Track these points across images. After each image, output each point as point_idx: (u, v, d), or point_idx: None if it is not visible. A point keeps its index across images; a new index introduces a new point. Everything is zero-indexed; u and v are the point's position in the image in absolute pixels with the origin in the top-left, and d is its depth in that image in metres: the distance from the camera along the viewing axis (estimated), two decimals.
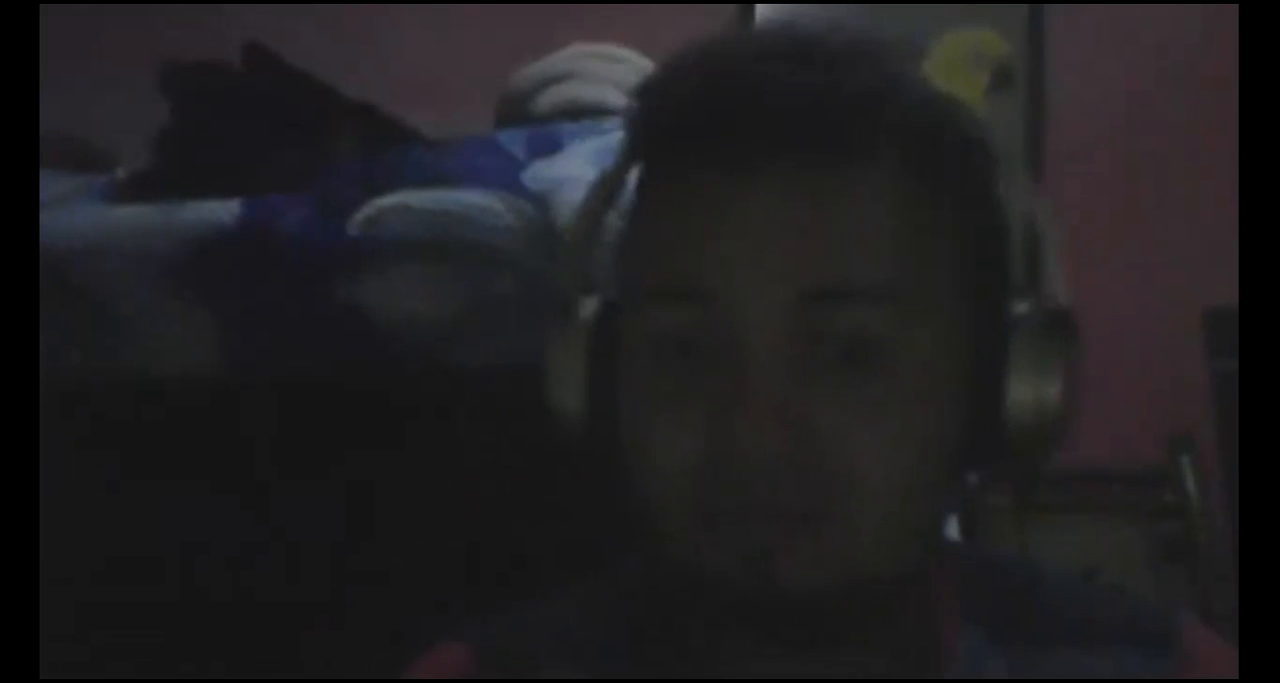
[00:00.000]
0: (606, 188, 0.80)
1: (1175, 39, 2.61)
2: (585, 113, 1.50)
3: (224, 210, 1.30)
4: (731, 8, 2.61)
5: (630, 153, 0.78)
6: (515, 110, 1.59)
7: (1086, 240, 2.54)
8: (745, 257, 0.72)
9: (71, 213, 1.35)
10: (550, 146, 1.40)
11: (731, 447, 0.70)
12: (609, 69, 1.59)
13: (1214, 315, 2.41)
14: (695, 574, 0.73)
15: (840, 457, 0.70)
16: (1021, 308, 0.75)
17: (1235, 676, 0.76)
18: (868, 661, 0.76)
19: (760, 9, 2.65)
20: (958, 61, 2.66)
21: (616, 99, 1.48)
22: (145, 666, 1.30)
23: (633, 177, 0.80)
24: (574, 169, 1.32)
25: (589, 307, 0.79)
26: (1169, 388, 2.53)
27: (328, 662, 1.29)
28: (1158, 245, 2.61)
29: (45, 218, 1.27)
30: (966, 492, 2.03)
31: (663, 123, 0.76)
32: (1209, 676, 0.78)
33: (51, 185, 1.40)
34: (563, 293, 0.80)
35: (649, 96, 0.77)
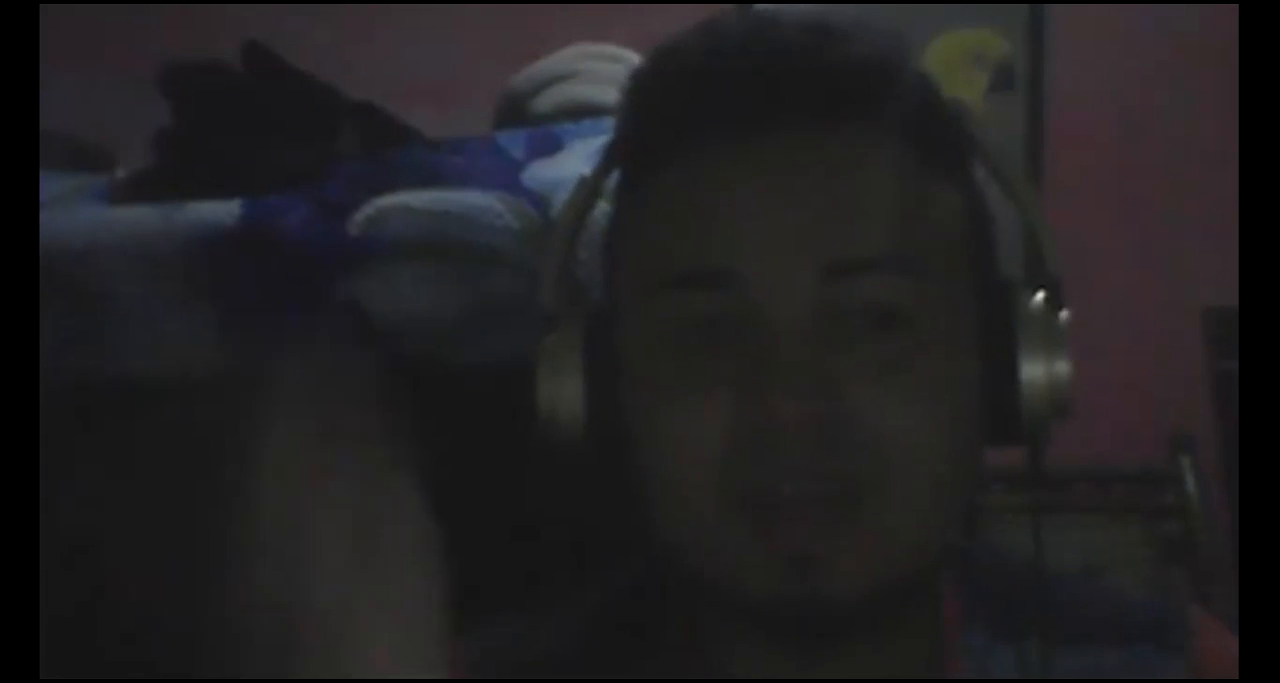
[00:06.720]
0: (596, 182, 0.79)
1: (1175, 39, 2.61)
2: (586, 113, 1.50)
3: (224, 211, 1.30)
4: (731, 8, 2.61)
5: (627, 140, 0.77)
6: (515, 110, 1.59)
7: (1086, 240, 2.55)
8: (765, 234, 0.71)
9: (71, 213, 1.35)
10: (550, 146, 1.40)
11: (765, 420, 0.68)
12: (609, 69, 1.58)
13: (1214, 315, 2.41)
14: (714, 581, 0.72)
15: (875, 422, 0.69)
16: (1021, 284, 0.76)
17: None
18: (877, 661, 0.76)
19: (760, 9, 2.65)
20: (957, 61, 2.66)
21: (617, 99, 1.48)
22: (143, 666, 1.30)
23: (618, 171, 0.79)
24: (574, 169, 1.31)
25: (579, 308, 0.78)
26: (1169, 388, 2.54)
27: None
28: (1158, 245, 2.61)
29: (45, 218, 1.27)
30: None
31: (666, 100, 0.74)
32: (1221, 671, 0.78)
33: (51, 185, 1.40)
34: (550, 294, 0.78)
35: (648, 77, 0.76)
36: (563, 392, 0.76)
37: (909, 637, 0.77)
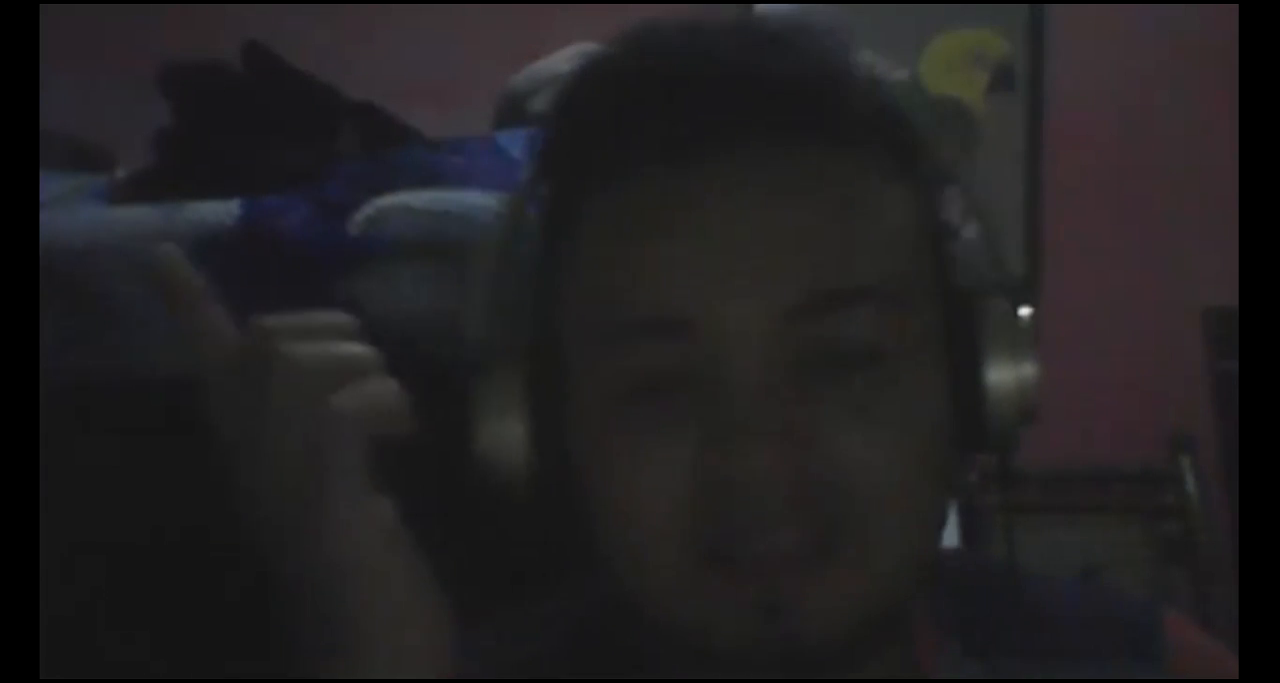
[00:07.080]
0: (519, 211, 0.72)
1: (1175, 39, 2.61)
2: None
3: (224, 210, 1.30)
4: (731, 8, 2.61)
5: (556, 164, 0.70)
6: (515, 110, 1.59)
7: (1086, 240, 2.55)
8: (723, 271, 0.65)
9: (71, 213, 1.35)
10: None
11: (728, 476, 0.64)
12: None
13: (1214, 315, 2.41)
14: (670, 628, 0.68)
15: (847, 467, 0.65)
16: (983, 291, 0.72)
17: (1221, 675, 0.76)
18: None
19: (759, 9, 2.65)
20: (957, 61, 2.66)
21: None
22: (136, 668, 1.30)
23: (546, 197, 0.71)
24: None
25: (519, 347, 0.71)
26: (1169, 388, 2.54)
27: None
28: (1158, 245, 2.61)
29: (45, 218, 1.28)
30: (965, 492, 2.03)
31: (594, 119, 0.68)
32: (1198, 671, 0.78)
33: (51, 185, 1.40)
34: (479, 329, 0.72)
35: (575, 93, 0.69)
36: (502, 440, 0.70)
37: (879, 666, 0.74)
